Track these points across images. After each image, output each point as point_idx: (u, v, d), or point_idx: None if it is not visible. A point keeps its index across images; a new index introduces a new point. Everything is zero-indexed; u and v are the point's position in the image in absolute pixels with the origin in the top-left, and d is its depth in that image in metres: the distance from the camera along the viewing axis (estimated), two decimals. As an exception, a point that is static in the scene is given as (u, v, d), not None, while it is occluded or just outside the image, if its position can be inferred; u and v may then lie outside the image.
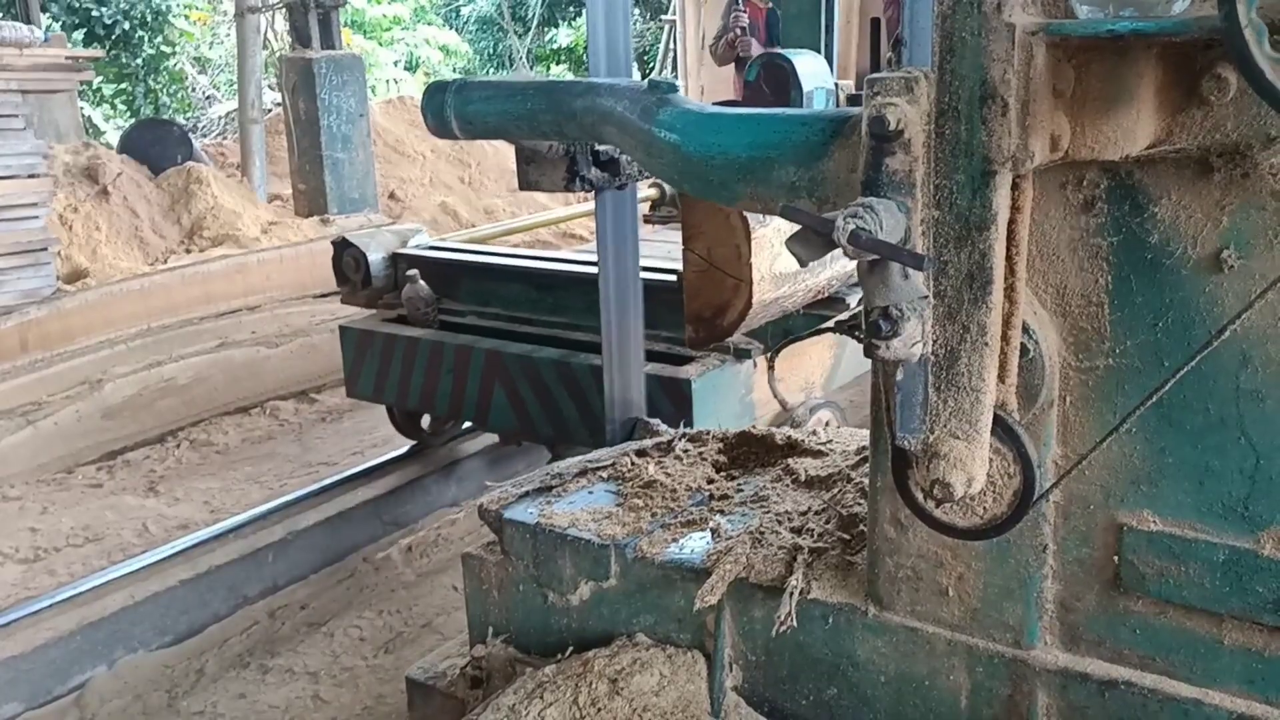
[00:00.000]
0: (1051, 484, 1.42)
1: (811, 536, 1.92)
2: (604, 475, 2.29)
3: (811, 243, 1.23)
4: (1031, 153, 1.24)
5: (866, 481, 2.06)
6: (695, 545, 1.97)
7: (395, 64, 16.22)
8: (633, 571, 1.96)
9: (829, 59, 4.69)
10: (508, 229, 5.23)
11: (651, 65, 16.55)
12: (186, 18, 11.51)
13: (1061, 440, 1.48)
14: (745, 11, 7.27)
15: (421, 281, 3.94)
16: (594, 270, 3.74)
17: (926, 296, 1.28)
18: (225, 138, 9.47)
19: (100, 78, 10.75)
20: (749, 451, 2.41)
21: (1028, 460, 1.37)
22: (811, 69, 4.11)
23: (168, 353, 5.53)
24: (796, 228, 1.25)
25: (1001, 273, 1.30)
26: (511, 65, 17.11)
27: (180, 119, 11.60)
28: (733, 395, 3.39)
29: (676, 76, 13.88)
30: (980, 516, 1.43)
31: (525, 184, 2.21)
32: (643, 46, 17.88)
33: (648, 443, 2.42)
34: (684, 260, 3.07)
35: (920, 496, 1.44)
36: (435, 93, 1.87)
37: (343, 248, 4.19)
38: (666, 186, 5.65)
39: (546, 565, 2.08)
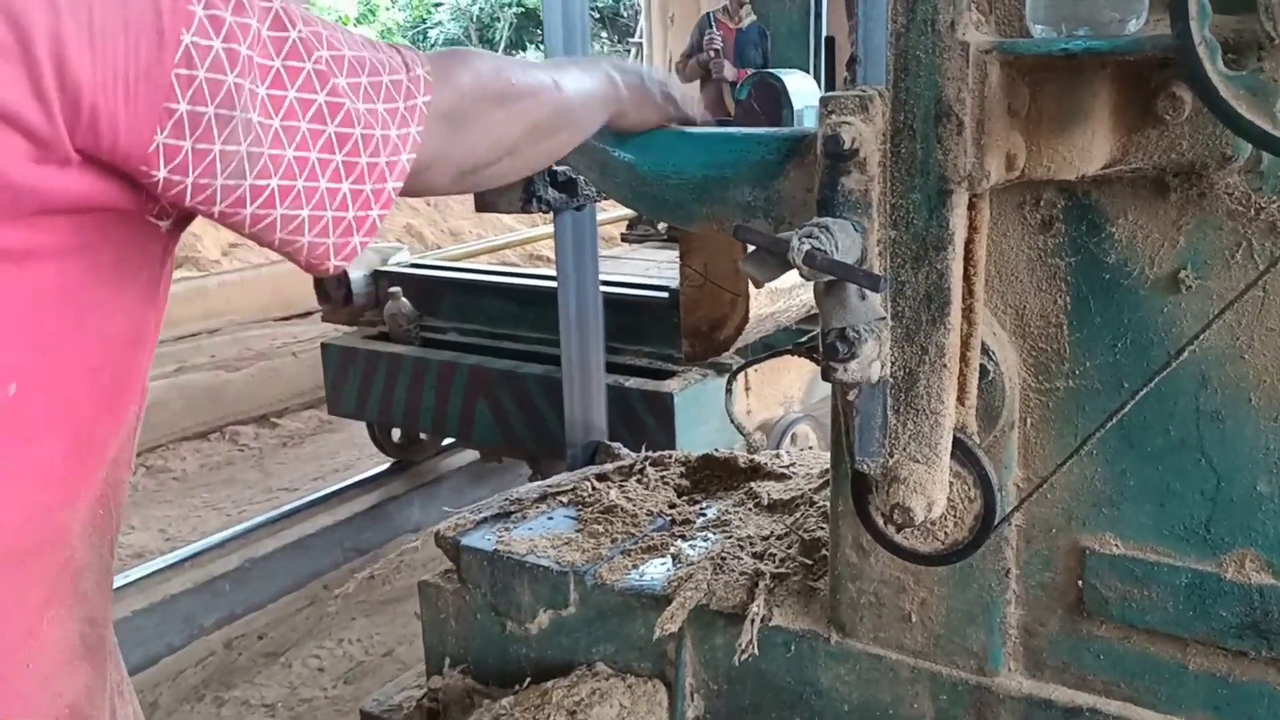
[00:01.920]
0: (1013, 508, 1.40)
1: (774, 562, 1.89)
2: (564, 500, 2.25)
3: (766, 263, 1.21)
4: (987, 171, 1.22)
5: (829, 505, 2.04)
6: (656, 571, 1.94)
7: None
8: (592, 599, 1.92)
9: (818, 79, 4.71)
10: (471, 250, 5.21)
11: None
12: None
13: (1023, 463, 1.46)
14: (720, 33, 7.32)
15: (404, 299, 3.96)
16: None
17: (884, 318, 1.26)
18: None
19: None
20: (712, 475, 2.38)
21: (988, 483, 1.35)
22: (801, 88, 4.13)
23: (124, 377, 5.42)
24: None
25: (959, 293, 1.28)
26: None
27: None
28: (714, 409, 3.43)
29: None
30: (941, 541, 1.41)
31: (482, 205, 2.17)
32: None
33: (609, 467, 2.39)
34: (681, 275, 3.12)
35: (880, 521, 1.41)
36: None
37: None
38: (642, 204, 5.64)
39: (504, 593, 2.04)
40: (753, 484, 2.30)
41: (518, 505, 2.24)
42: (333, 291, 4.15)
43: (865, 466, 1.35)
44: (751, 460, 2.39)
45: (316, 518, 4.38)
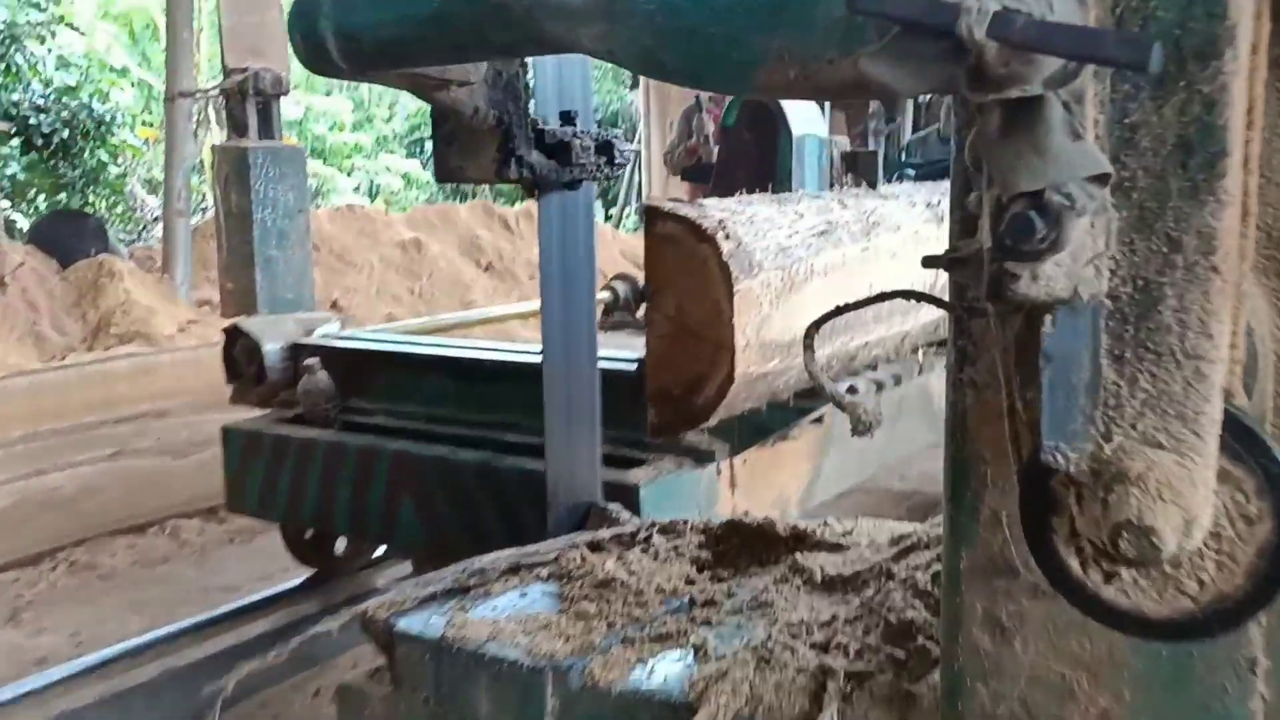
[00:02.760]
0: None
1: (845, 655, 1.29)
2: (542, 574, 1.66)
3: (912, 55, 0.66)
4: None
5: (920, 575, 1.45)
6: (671, 668, 1.34)
7: (355, 190, 15.91)
8: (580, 705, 1.32)
9: (821, 106, 4.10)
10: (418, 326, 4.54)
11: (615, 194, 16.43)
12: (132, 129, 11.08)
13: (1286, 476, 0.89)
14: (709, 117, 7.06)
15: (322, 372, 3.24)
16: (531, 360, 2.86)
17: (1109, 175, 0.71)
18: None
19: (35, 189, 10.25)
20: (740, 545, 1.79)
21: (1286, 488, 0.78)
22: (803, 114, 3.55)
23: (54, 460, 4.81)
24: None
25: (1240, 141, 0.73)
26: (474, 197, 16.89)
27: (118, 231, 11.06)
28: (691, 506, 2.67)
29: (641, 203, 13.67)
30: (1191, 597, 0.82)
31: (445, 174, 1.65)
32: (606, 186, 17.82)
33: (604, 533, 1.80)
34: (648, 322, 2.37)
35: (1076, 562, 0.83)
36: (306, 3, 1.32)
37: (235, 336, 3.44)
38: (620, 288, 5.08)
39: (454, 699, 1.43)
40: (797, 556, 1.72)
41: (479, 578, 1.64)
42: (243, 367, 3.39)
43: (1058, 458, 0.78)
44: (792, 527, 1.81)
45: (254, 623, 3.72)
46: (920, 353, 3.48)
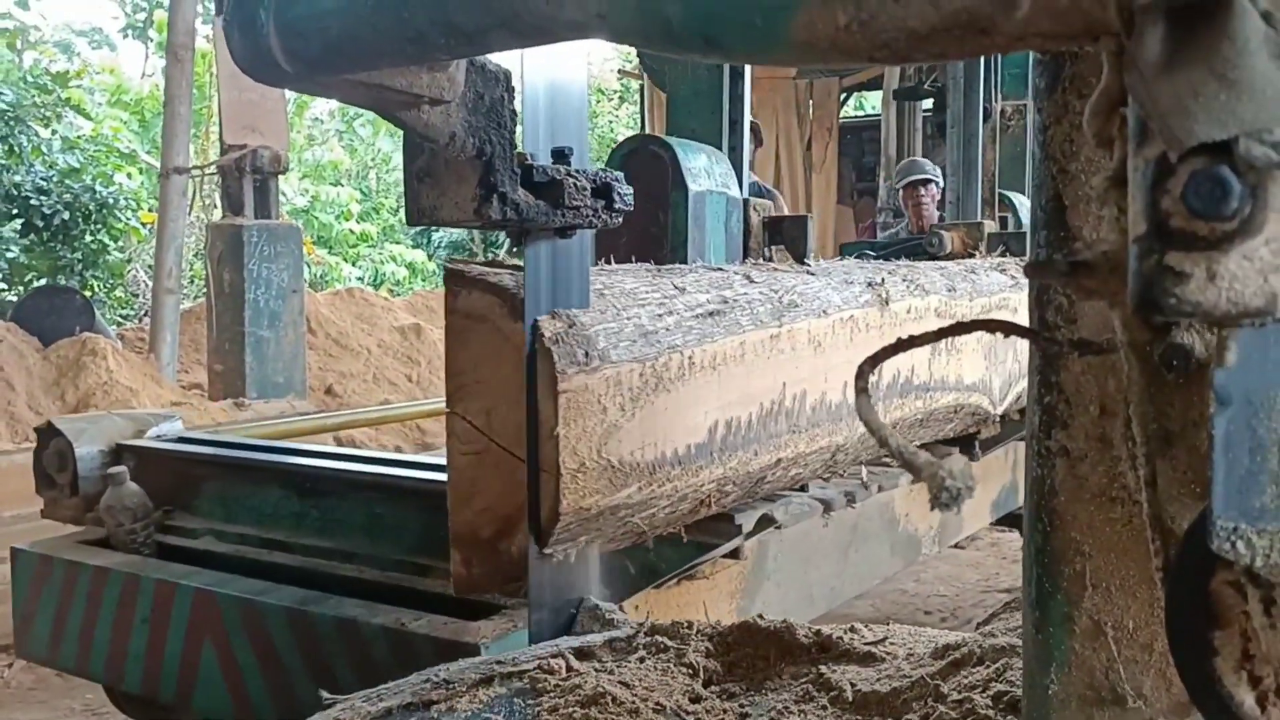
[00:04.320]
0: None
1: (892, 801, 1.02)
2: (519, 685, 1.39)
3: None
4: None
5: (978, 698, 1.19)
6: (672, 814, 1.07)
7: (360, 279, 15.85)
8: None
9: (735, 165, 3.25)
10: (292, 427, 3.66)
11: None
12: (134, 211, 11.01)
13: None
14: None
15: (131, 484, 2.66)
16: (383, 472, 2.43)
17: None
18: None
19: (33, 271, 10.14)
20: (755, 654, 1.53)
21: None
22: (705, 167, 2.87)
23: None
24: None
25: None
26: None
27: (116, 314, 10.91)
28: None
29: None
30: None
31: (416, 215, 1.44)
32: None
33: (595, 638, 1.54)
34: (449, 434, 1.78)
35: (1250, 697, 0.59)
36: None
37: (48, 438, 2.84)
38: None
39: (400, 847, 1.15)
40: (822, 668, 1.45)
41: (445, 690, 1.38)
42: (55, 474, 2.76)
43: (1236, 545, 0.54)
44: (816, 633, 1.55)
45: (217, 726, 3.40)
46: (864, 470, 2.79)
